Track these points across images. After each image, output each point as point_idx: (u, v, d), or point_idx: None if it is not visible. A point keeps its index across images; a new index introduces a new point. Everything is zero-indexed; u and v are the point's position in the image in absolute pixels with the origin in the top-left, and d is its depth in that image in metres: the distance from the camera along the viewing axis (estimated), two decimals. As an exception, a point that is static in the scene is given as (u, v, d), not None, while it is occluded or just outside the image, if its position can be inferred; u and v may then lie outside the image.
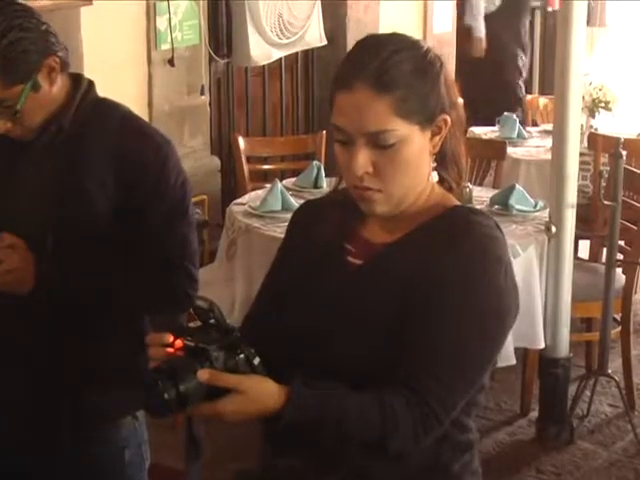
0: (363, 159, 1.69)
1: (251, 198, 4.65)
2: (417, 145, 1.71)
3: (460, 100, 1.79)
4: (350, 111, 1.69)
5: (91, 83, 2.27)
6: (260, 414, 1.60)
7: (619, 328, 4.57)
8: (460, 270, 1.69)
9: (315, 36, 6.17)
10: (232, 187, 5.87)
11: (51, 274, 2.15)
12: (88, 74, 4.94)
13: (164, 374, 1.56)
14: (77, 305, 2.20)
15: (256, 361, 1.61)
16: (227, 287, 4.33)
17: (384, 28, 6.62)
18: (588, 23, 4.97)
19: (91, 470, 2.31)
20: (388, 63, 1.68)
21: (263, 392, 1.60)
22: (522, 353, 4.34)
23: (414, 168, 1.73)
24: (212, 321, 1.62)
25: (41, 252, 2.15)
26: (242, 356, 1.61)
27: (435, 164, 1.78)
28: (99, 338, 2.24)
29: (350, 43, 6.47)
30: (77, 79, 2.25)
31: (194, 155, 5.68)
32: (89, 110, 2.22)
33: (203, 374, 1.56)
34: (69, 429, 2.25)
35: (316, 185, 4.79)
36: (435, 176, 1.78)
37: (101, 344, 2.24)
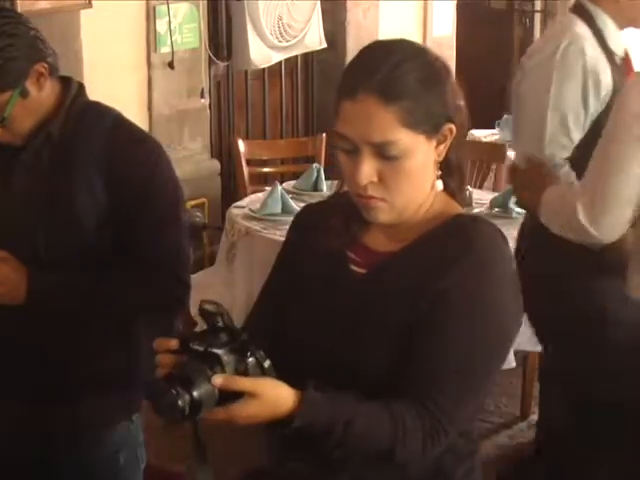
0: (368, 169, 1.67)
1: (251, 201, 4.65)
2: (422, 155, 1.69)
3: (462, 103, 1.78)
4: (356, 121, 1.66)
5: (81, 87, 2.26)
6: (273, 418, 1.58)
7: (619, 331, 4.55)
8: (466, 283, 1.67)
9: (315, 39, 6.17)
10: (232, 190, 5.87)
11: (44, 283, 2.15)
12: (88, 77, 4.93)
13: (177, 381, 1.55)
14: (70, 312, 2.20)
15: (266, 364, 1.60)
16: (227, 290, 4.33)
17: (384, 31, 6.63)
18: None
19: (86, 473, 2.31)
20: (395, 72, 1.65)
21: (277, 396, 1.58)
22: (522, 356, 4.33)
23: (419, 178, 1.72)
24: (220, 324, 1.61)
25: (34, 259, 2.15)
26: (252, 359, 1.59)
27: (440, 172, 1.76)
28: (93, 343, 2.24)
29: (350, 46, 6.48)
30: (67, 83, 2.24)
31: (194, 158, 5.68)
32: (79, 115, 2.21)
33: (217, 379, 1.55)
34: (64, 433, 2.25)
35: (316, 188, 4.79)
36: (440, 185, 1.77)
37: (95, 349, 2.24)
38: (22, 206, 2.18)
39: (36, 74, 2.14)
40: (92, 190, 2.15)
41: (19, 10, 4.32)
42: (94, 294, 2.19)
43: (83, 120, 2.21)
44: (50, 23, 4.56)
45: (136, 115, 5.34)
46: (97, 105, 2.29)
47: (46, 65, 2.15)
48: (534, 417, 4.45)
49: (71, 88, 2.23)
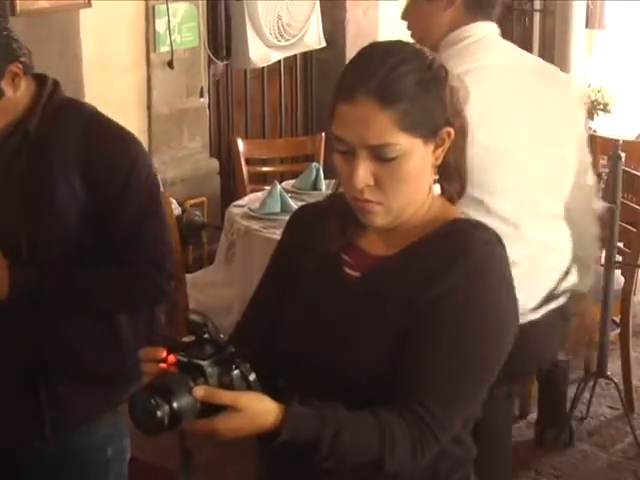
0: (364, 172, 1.66)
1: (250, 200, 4.66)
2: (419, 158, 1.68)
3: (462, 106, 1.76)
4: (352, 123, 1.65)
5: (56, 83, 2.27)
6: (256, 432, 1.56)
7: (618, 330, 4.57)
8: (461, 289, 1.66)
9: (314, 38, 6.17)
10: (231, 189, 5.87)
11: (27, 279, 2.17)
12: (87, 76, 4.91)
13: (157, 391, 1.52)
14: (53, 309, 2.22)
15: (252, 377, 1.58)
16: (226, 289, 4.34)
17: (383, 30, 6.63)
18: (587, 25, 4.98)
19: (75, 466, 2.34)
20: (393, 75, 1.64)
21: (260, 410, 1.55)
22: (521, 355, 4.33)
23: (415, 181, 1.70)
24: (206, 336, 1.58)
25: (16, 257, 2.16)
26: (237, 372, 1.57)
27: (437, 176, 1.74)
28: (76, 337, 2.26)
29: (349, 45, 6.47)
30: (42, 80, 2.26)
31: (193, 157, 5.69)
32: (55, 111, 2.23)
33: (198, 391, 1.52)
34: (51, 427, 2.27)
35: (315, 187, 4.80)
36: (437, 189, 1.75)
37: (78, 343, 2.26)
38: (2, 205, 2.20)
39: (11, 74, 2.16)
40: (71, 187, 2.18)
41: (18, 9, 4.33)
42: (78, 291, 2.22)
43: (59, 117, 2.22)
44: (49, 22, 4.56)
45: (135, 114, 5.34)
46: (73, 101, 2.31)
47: (20, 65, 2.17)
48: (533, 416, 4.46)
49: (46, 86, 2.25)
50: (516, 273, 2.57)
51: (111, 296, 2.25)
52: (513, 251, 2.54)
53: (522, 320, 2.58)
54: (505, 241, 2.51)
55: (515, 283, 2.49)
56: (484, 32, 2.73)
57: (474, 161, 2.46)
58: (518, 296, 2.57)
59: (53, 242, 2.19)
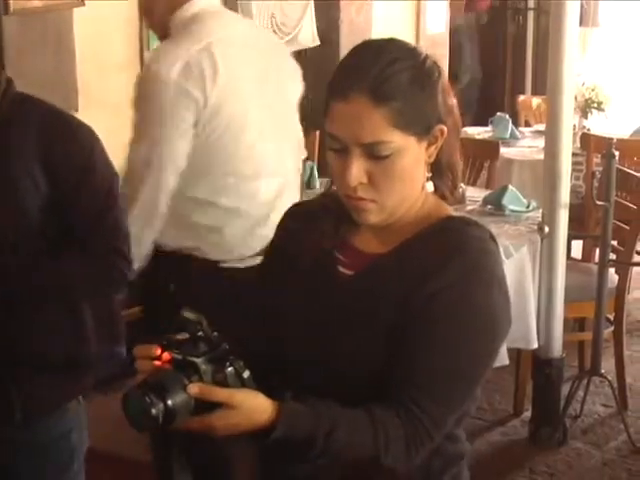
0: (357, 170, 1.65)
1: (245, 199, 4.64)
2: (413, 156, 1.68)
3: (454, 104, 1.76)
4: (346, 121, 1.64)
5: (9, 81, 2.29)
6: (251, 429, 1.56)
7: (612, 328, 4.58)
8: (456, 287, 1.66)
9: (308, 37, 6.17)
10: (225, 188, 5.85)
11: None
12: (81, 76, 4.89)
13: (151, 388, 1.52)
14: (19, 298, 2.24)
15: (245, 374, 1.58)
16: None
17: (377, 29, 6.62)
18: (581, 23, 4.98)
19: (43, 456, 2.36)
20: (386, 73, 1.63)
21: (254, 407, 1.56)
22: (515, 353, 4.34)
23: (409, 179, 1.70)
24: (200, 333, 1.59)
25: None
26: (231, 369, 1.57)
27: (430, 174, 1.74)
28: (40, 325, 2.28)
29: (343, 44, 6.47)
30: None
31: (187, 156, 5.67)
32: (11, 107, 2.25)
33: (192, 388, 1.53)
34: (21, 418, 2.29)
35: (309, 185, 4.80)
36: (430, 186, 1.75)
37: (42, 331, 2.29)
38: None
39: None
40: (33, 180, 2.20)
41: (12, 9, 4.32)
42: (42, 282, 2.25)
43: (16, 113, 2.24)
44: (43, 22, 4.55)
45: (130, 113, 5.33)
46: (27, 97, 2.32)
47: None
48: (527, 414, 4.47)
49: (0, 83, 2.26)
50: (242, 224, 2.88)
51: (75, 284, 2.29)
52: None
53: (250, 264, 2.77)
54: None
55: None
56: (206, 4, 2.94)
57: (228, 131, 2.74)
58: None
59: (17, 235, 2.21)
